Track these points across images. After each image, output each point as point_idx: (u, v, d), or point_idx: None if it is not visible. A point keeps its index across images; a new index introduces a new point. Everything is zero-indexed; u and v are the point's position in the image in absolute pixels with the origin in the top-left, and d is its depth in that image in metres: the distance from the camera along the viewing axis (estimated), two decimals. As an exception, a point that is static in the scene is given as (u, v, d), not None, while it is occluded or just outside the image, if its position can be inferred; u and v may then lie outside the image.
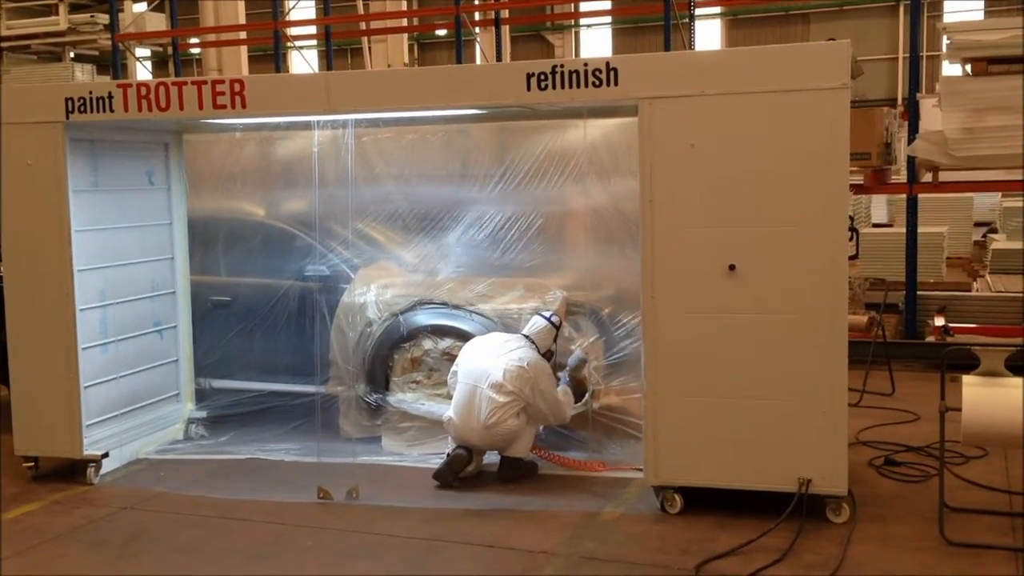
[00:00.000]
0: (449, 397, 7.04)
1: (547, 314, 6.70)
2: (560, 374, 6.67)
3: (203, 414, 7.74)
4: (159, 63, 29.92)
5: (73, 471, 6.70)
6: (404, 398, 7.22)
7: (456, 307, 7.26)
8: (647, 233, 5.64)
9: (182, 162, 7.66)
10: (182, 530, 5.81)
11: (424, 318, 7.27)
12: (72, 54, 24.20)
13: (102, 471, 6.73)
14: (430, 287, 7.36)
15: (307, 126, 6.51)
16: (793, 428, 5.47)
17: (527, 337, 6.58)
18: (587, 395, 6.84)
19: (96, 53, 25.55)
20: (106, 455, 6.75)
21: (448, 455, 6.43)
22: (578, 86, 5.66)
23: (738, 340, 5.53)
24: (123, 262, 7.15)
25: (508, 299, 7.24)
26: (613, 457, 6.72)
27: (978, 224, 15.79)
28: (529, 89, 5.73)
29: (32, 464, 6.78)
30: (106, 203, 6.98)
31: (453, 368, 6.65)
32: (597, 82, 5.62)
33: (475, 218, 7.28)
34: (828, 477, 5.44)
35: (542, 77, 5.70)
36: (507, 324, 7.11)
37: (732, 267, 5.49)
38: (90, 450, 6.70)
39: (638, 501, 5.98)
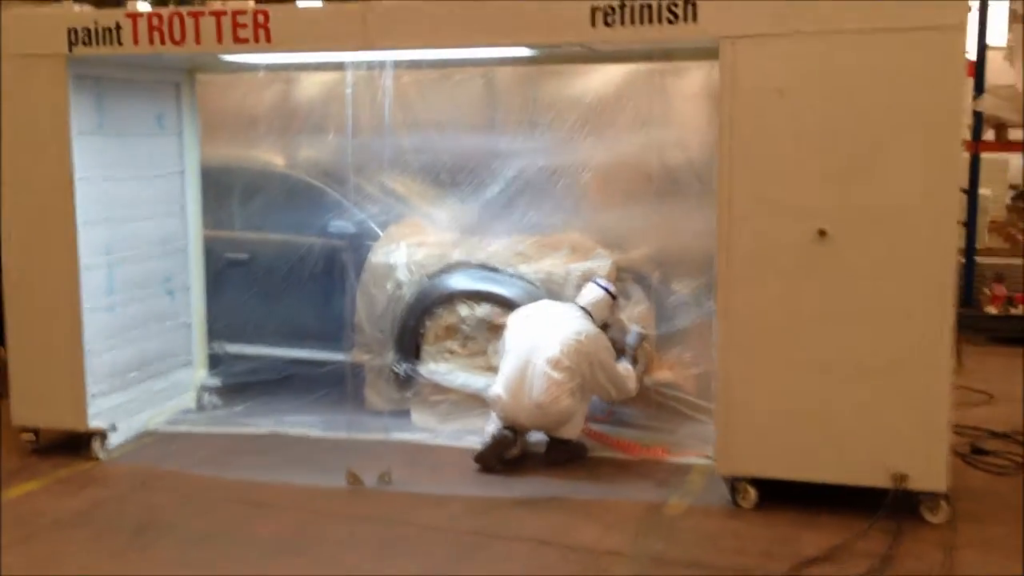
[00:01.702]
0: (487, 369, 6.46)
1: (602, 282, 6.06)
2: (623, 359, 6.03)
3: (217, 382, 7.12)
4: (159, 3, 29.03)
5: (77, 444, 6.09)
6: (437, 369, 6.60)
7: (495, 269, 6.62)
8: (724, 192, 4.98)
9: (195, 105, 6.96)
10: (197, 516, 5.20)
11: (460, 281, 6.63)
12: (73, -5, 23.41)
13: (109, 444, 6.12)
14: (466, 247, 6.70)
15: (339, 66, 5.79)
16: (886, 415, 4.84)
17: (582, 308, 5.94)
18: (639, 368, 6.21)
19: (98, -6, 24.80)
20: (113, 428, 6.14)
21: (492, 436, 5.81)
22: (650, 22, 4.96)
23: (826, 315, 4.88)
24: (131, 214, 6.48)
25: (552, 261, 6.60)
26: (669, 439, 6.11)
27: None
28: (594, 25, 5.03)
29: (32, 436, 6.18)
30: (112, 148, 6.29)
31: (502, 341, 6.02)
32: (672, 18, 4.92)
33: (517, 171, 6.59)
34: (925, 471, 4.81)
35: (609, 12, 5.00)
36: (551, 288, 6.48)
37: (822, 232, 4.82)
38: (96, 422, 6.08)
39: (705, 492, 5.37)
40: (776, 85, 4.82)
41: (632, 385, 5.94)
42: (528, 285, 6.52)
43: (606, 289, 6.02)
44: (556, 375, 5.64)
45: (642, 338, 6.15)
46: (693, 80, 6.26)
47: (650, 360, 6.31)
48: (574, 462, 5.85)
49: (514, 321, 6.01)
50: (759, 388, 5.02)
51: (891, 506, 4.76)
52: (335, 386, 6.80)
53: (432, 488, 5.51)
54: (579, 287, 6.35)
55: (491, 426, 5.93)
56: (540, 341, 5.73)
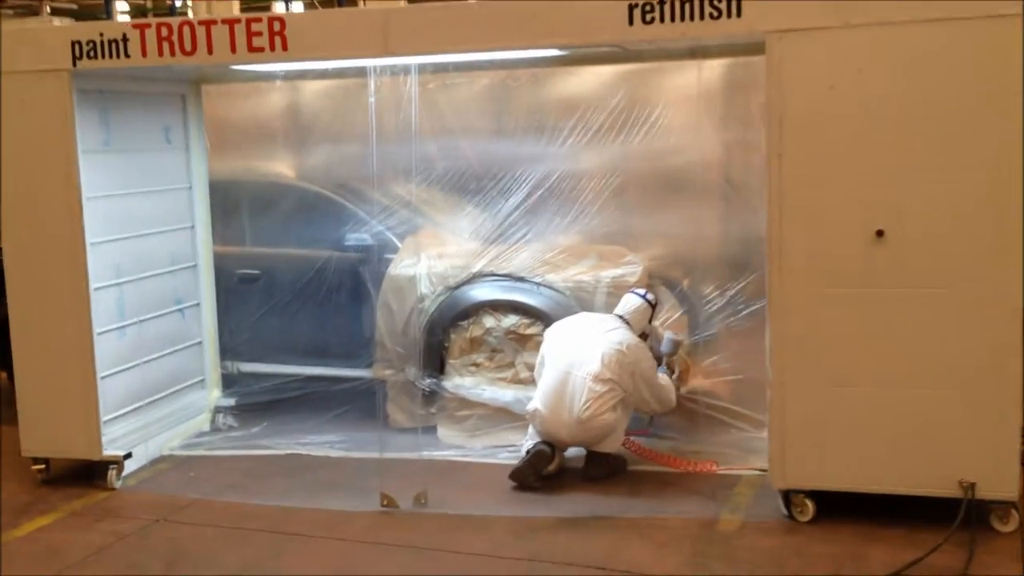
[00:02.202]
0: (515, 382, 6.25)
1: (641, 291, 5.84)
2: (660, 369, 5.81)
3: (231, 402, 6.87)
4: (139, 14, 28.51)
5: (90, 473, 5.83)
6: (462, 383, 6.37)
7: (521, 279, 6.38)
8: (774, 193, 4.75)
9: (201, 117, 6.70)
10: (228, 550, 4.93)
11: (484, 292, 6.39)
12: (49, 8, 22.92)
13: (123, 472, 5.84)
14: (489, 257, 6.45)
15: (360, 72, 5.52)
16: (952, 422, 4.63)
17: (621, 318, 5.72)
18: (674, 377, 6.00)
19: (75, 6, 24.30)
20: (128, 455, 5.86)
21: (529, 451, 5.57)
22: (692, 18, 4.72)
23: (886, 319, 4.66)
24: (140, 233, 6.22)
25: (580, 269, 6.37)
26: (710, 449, 5.87)
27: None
28: (632, 23, 4.79)
29: (42, 466, 5.90)
30: (119, 165, 6.04)
31: (540, 355, 5.79)
32: (716, 13, 4.69)
33: (542, 177, 6.36)
34: (995, 479, 4.59)
35: (647, 8, 4.77)
36: (581, 297, 6.26)
37: (880, 233, 4.61)
38: (110, 449, 5.81)
39: (756, 505, 5.15)
40: (827, 80, 4.60)
41: (673, 396, 5.73)
42: (556, 294, 6.29)
43: (644, 297, 5.80)
44: (598, 388, 5.41)
45: (677, 345, 5.92)
46: (725, 76, 6.04)
47: (686, 368, 6.09)
48: (614, 476, 5.62)
49: (552, 334, 5.78)
50: (816, 397, 4.80)
51: (964, 516, 4.53)
52: (354, 403, 6.61)
53: (470, 509, 5.26)
54: (609, 295, 6.16)
55: (528, 441, 5.70)
56: (580, 353, 5.51)
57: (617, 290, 6.16)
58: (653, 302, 5.83)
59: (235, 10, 18.95)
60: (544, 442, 5.58)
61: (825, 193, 4.68)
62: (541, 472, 5.53)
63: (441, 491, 5.45)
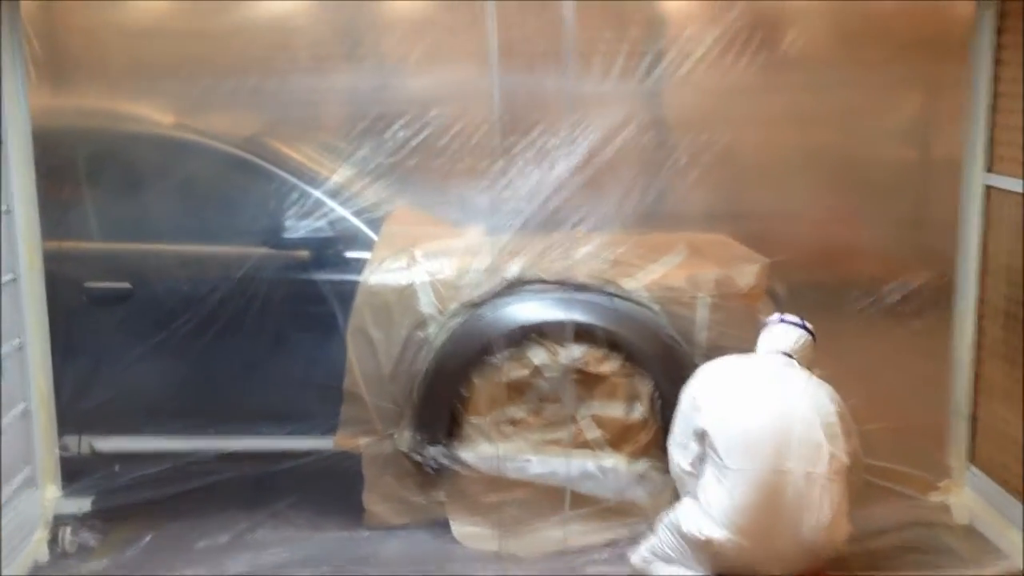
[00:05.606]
0: (580, 446, 4.07)
1: (795, 320, 3.76)
2: None
3: (83, 506, 4.13)
4: None
5: None
6: (492, 452, 4.07)
7: (582, 287, 4.15)
8: None
9: (18, 24, 3.87)
10: None
11: (529, 310, 4.11)
12: None
13: None
14: (528, 254, 4.17)
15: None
16: None
17: (788, 356, 3.67)
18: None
19: None
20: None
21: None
22: None
23: None
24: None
25: (666, 269, 4.23)
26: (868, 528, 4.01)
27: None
28: None
29: None
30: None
31: (699, 436, 3.55)
32: None
33: (611, 128, 4.17)
34: None
35: None
36: (673, 313, 4.14)
37: None
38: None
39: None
40: None
41: None
42: (639, 309, 4.12)
43: (804, 327, 3.75)
44: (838, 487, 3.30)
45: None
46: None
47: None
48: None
49: (717, 395, 3.53)
50: None
51: None
52: (303, 492, 4.24)
53: None
54: (714, 309, 4.12)
55: (674, 569, 3.52)
56: (790, 430, 3.33)
57: (725, 301, 4.13)
58: (814, 332, 3.81)
59: None
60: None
61: None
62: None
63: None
